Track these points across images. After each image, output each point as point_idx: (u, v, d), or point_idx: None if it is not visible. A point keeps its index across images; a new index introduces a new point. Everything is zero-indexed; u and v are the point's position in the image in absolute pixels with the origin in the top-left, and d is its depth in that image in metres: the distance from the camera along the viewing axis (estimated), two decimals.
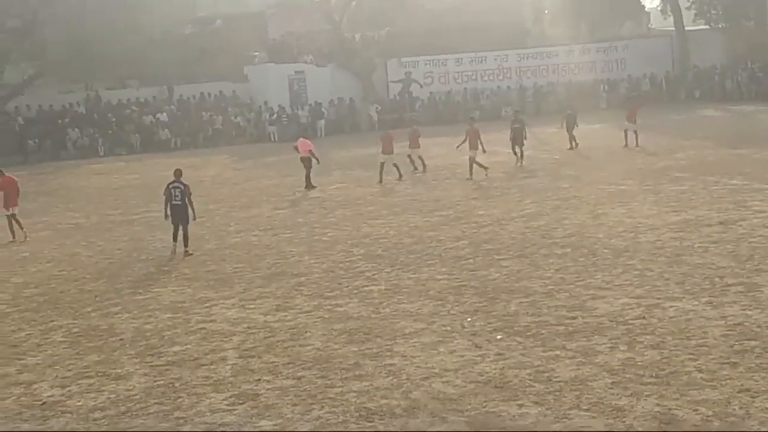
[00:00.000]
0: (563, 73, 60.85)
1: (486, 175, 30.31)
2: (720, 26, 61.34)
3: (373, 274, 17.81)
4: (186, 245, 21.35)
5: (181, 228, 21.32)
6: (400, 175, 31.66)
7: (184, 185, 21.35)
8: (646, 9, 68.32)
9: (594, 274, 16.49)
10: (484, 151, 30.77)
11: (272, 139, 53.62)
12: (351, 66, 58.69)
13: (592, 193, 25.48)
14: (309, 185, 31.16)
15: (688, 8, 63.14)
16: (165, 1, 56.85)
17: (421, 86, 58.92)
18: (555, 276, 16.53)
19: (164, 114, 55.43)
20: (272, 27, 62.19)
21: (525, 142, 33.42)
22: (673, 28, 63.16)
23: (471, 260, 18.38)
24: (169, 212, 21.30)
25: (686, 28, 63.12)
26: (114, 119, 54.49)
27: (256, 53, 58.92)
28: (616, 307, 14.12)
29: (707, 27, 62.65)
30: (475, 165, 30.40)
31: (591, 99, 56.44)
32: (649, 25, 68.36)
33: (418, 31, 60.49)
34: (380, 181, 30.85)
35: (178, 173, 21.76)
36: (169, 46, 54.58)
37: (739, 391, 10.42)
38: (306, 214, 26.03)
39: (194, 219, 21.71)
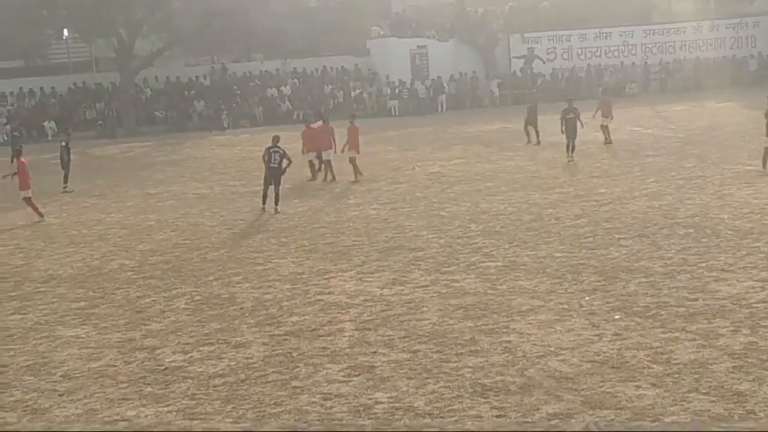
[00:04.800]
0: (690, 50, 59.49)
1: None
2: None
3: (491, 251, 17.75)
4: (276, 203, 23.69)
5: (273, 188, 23.69)
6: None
7: (283, 150, 23.83)
8: None
9: (717, 255, 16.14)
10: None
11: (393, 113, 53.77)
12: (473, 41, 58.39)
13: (717, 173, 24.94)
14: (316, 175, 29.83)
15: None
16: None
17: (544, 62, 58.31)
18: (676, 257, 16.23)
19: (287, 87, 56.07)
20: (395, 1, 62.23)
21: (577, 133, 30.63)
22: None
23: (590, 239, 18.17)
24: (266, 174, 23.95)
25: None
26: (239, 92, 55.37)
27: (374, 27, 59.04)
28: (740, 290, 13.81)
29: None
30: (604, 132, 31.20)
31: (718, 76, 55.03)
32: None
33: (542, 5, 59.81)
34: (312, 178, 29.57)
35: (276, 139, 24.21)
36: (293, 20, 55.06)
37: None
38: (425, 189, 26.05)
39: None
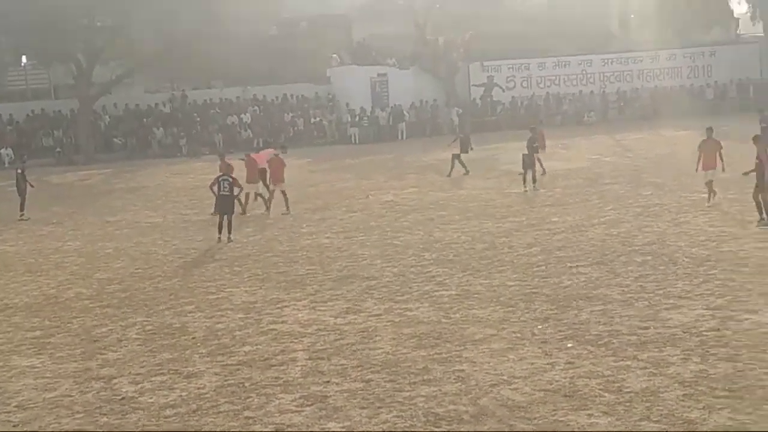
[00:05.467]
0: (648, 79, 60.10)
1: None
2: None
3: (444, 279, 17.74)
4: (229, 232, 23.44)
5: (226, 218, 23.33)
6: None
7: (232, 178, 23.46)
8: (734, 15, 67.08)
9: (674, 283, 16.21)
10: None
11: (353, 141, 53.84)
12: (433, 69, 58.67)
13: (674, 201, 25.11)
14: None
15: None
16: (251, 2, 57.44)
17: (504, 90, 58.69)
18: (634, 284, 16.28)
19: (247, 115, 56.00)
20: (356, 29, 62.48)
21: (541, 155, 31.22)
22: (763, 34, 61.99)
23: (543, 267, 18.21)
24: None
25: None
26: (198, 119, 55.23)
27: (333, 55, 59.18)
28: (691, 318, 13.86)
29: None
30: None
31: (675, 105, 55.52)
32: (738, 31, 67.16)
33: (502, 34, 60.23)
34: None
35: (225, 167, 24.05)
36: (254, 48, 55.07)
37: None
38: (378, 218, 26.02)
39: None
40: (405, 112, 56.22)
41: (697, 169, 24.68)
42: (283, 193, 27.73)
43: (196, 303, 17.04)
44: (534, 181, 29.37)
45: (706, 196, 24.29)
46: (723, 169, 24.11)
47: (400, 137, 53.94)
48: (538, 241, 21.01)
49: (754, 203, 21.22)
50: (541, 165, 32.14)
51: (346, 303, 16.35)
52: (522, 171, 29.80)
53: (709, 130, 24.91)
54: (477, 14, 59.41)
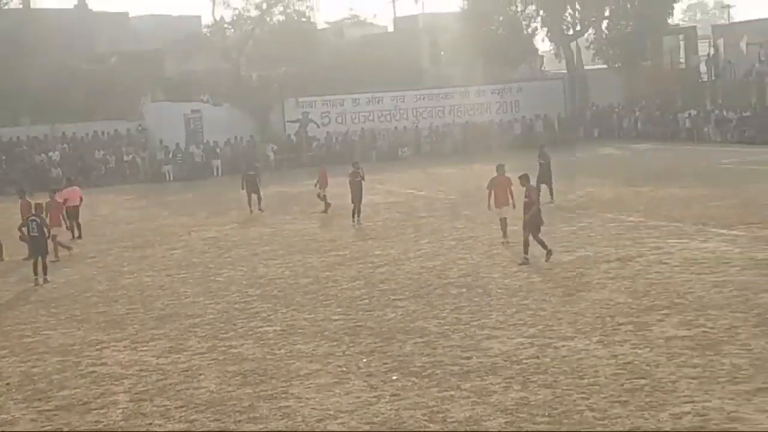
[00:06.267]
0: (459, 114, 61.51)
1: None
2: (617, 66, 62.75)
3: (269, 315, 17.68)
4: (45, 273, 22.77)
5: (40, 259, 22.78)
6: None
7: (41, 218, 23.08)
8: (539, 52, 69.55)
9: (489, 314, 16.62)
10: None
11: (167, 178, 53.07)
12: (248, 105, 58.50)
13: (486, 233, 25.63)
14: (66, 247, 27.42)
15: (587, 47, 64.54)
16: (60, 37, 56.09)
17: (318, 126, 58.95)
18: (450, 316, 16.61)
19: (56, 153, 54.44)
20: (169, 65, 61.70)
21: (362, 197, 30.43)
22: (566, 71, 64.49)
23: (367, 301, 18.37)
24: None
25: (585, 67, 64.54)
26: (4, 157, 53.34)
27: (149, 91, 58.36)
28: (510, 347, 14.24)
29: (605, 66, 64.07)
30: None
31: (485, 140, 56.90)
32: (543, 68, 69.62)
33: (317, 70, 60.61)
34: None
35: (35, 207, 23.75)
36: (64, 84, 53.73)
37: (630, 430, 10.57)
38: (201, 254, 25.71)
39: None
40: (218, 149, 55.65)
41: (489, 207, 24.45)
42: (53, 239, 25.54)
43: (10, 347, 16.44)
44: (358, 213, 29.46)
45: (502, 232, 24.06)
46: (513, 206, 23.67)
47: (215, 174, 53.45)
48: (361, 274, 21.18)
49: (561, 233, 21.91)
50: (326, 202, 32.41)
51: (169, 342, 16.09)
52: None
53: (500, 166, 24.48)
54: (292, 50, 59.70)
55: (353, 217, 29.51)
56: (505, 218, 24.03)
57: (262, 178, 34.64)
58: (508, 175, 24.19)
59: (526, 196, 21.35)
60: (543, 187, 28.52)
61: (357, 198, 29.61)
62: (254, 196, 33.87)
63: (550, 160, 31.08)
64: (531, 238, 21.13)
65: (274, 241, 27.33)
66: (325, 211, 32.24)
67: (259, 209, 33.54)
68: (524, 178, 21.80)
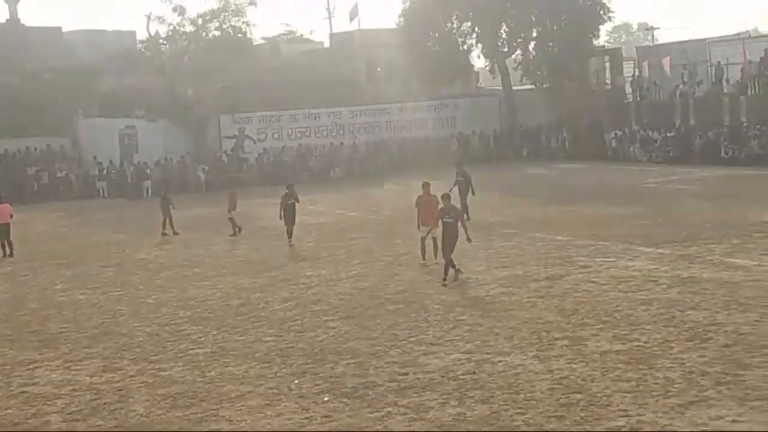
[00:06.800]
0: (396, 130, 61.62)
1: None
2: (545, 86, 63.29)
3: (199, 337, 17.48)
4: None
5: None
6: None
7: None
8: (475, 68, 69.91)
9: (426, 330, 16.64)
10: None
11: (102, 195, 52.46)
12: (183, 121, 58.08)
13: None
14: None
15: (516, 68, 65.02)
16: None
17: (255, 142, 58.65)
18: (386, 333, 16.59)
19: None
20: (103, 80, 61.03)
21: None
22: (501, 88, 64.95)
23: (298, 322, 18.23)
24: None
25: (514, 88, 64.99)
26: None
27: (83, 107, 57.72)
28: (447, 363, 14.26)
29: (533, 87, 64.58)
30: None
31: (422, 156, 56.99)
32: (478, 84, 70.06)
33: (254, 86, 60.39)
34: None
35: None
36: None
37: None
38: (133, 275, 25.32)
39: None
40: (148, 170, 54.75)
41: (418, 226, 23.82)
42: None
43: None
44: (290, 236, 29.22)
45: (431, 252, 23.42)
46: (436, 225, 22.36)
47: (146, 195, 52.50)
48: (293, 295, 21.02)
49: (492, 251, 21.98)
50: (236, 225, 32.02)
51: (103, 361, 15.89)
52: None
53: (426, 185, 23.91)
54: (228, 66, 59.43)
55: (289, 238, 29.23)
56: (435, 237, 23.11)
57: (174, 202, 34.38)
58: (434, 193, 23.69)
59: (449, 216, 21.18)
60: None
61: (290, 220, 29.31)
62: (168, 218, 33.76)
63: (470, 177, 31.06)
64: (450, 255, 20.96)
65: (205, 262, 26.97)
66: (234, 234, 31.76)
67: (175, 232, 33.40)
68: (445, 198, 21.74)
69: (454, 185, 30.22)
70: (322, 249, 27.91)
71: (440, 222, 21.45)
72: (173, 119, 57.79)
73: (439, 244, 22.31)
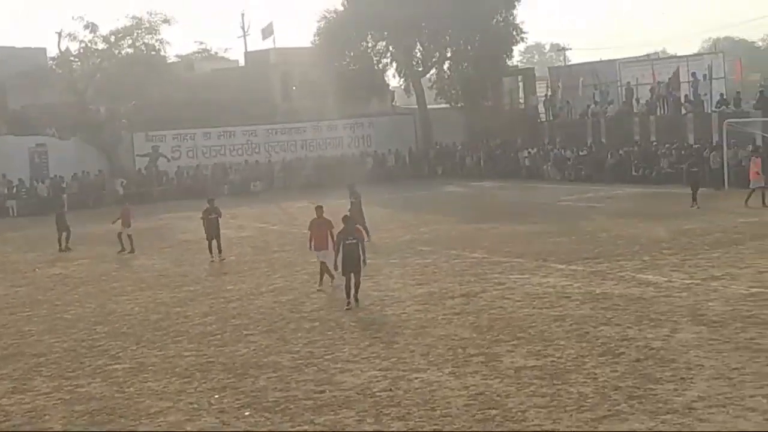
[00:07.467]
0: (311, 149, 61.66)
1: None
2: (459, 105, 63.82)
3: (118, 353, 17.32)
4: None
5: None
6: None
7: None
8: (390, 87, 70.26)
9: (342, 347, 16.66)
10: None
11: (11, 213, 51.51)
12: (96, 139, 57.35)
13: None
14: None
15: (430, 87, 65.50)
16: None
17: (169, 160, 58.20)
18: (303, 350, 16.59)
19: None
20: (13, 98, 60.02)
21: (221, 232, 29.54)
22: (416, 106, 65.36)
23: (219, 336, 18.18)
24: None
25: (428, 106, 65.42)
26: None
27: None
28: (364, 380, 14.29)
29: (448, 105, 65.07)
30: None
31: (338, 174, 57.08)
32: (394, 103, 70.38)
33: (167, 104, 59.90)
34: None
35: None
36: None
37: None
38: (47, 292, 24.98)
39: None
40: (64, 184, 54.20)
41: (310, 248, 23.43)
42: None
43: None
44: (219, 251, 28.88)
45: (319, 277, 23.06)
46: (333, 250, 21.44)
47: (65, 208, 51.86)
48: (213, 309, 20.94)
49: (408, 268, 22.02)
50: (130, 242, 31.68)
51: (12, 383, 15.59)
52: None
53: (319, 208, 23.19)
54: (141, 84, 58.87)
55: (210, 252, 28.90)
56: (324, 262, 22.69)
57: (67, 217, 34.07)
58: (328, 217, 23.27)
59: (351, 237, 20.60)
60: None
61: (212, 235, 28.88)
62: (64, 234, 33.42)
63: (360, 198, 31.09)
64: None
65: (124, 276, 26.79)
66: (123, 251, 31.43)
67: (67, 247, 33.03)
68: (346, 220, 21.34)
69: (351, 207, 29.94)
70: (243, 263, 27.83)
71: (341, 245, 20.62)
72: (85, 137, 57.03)
73: (332, 267, 21.92)
